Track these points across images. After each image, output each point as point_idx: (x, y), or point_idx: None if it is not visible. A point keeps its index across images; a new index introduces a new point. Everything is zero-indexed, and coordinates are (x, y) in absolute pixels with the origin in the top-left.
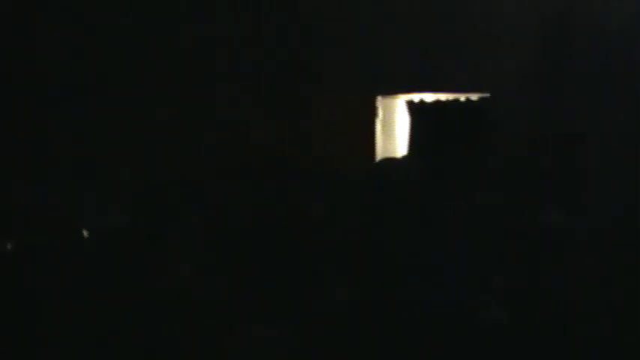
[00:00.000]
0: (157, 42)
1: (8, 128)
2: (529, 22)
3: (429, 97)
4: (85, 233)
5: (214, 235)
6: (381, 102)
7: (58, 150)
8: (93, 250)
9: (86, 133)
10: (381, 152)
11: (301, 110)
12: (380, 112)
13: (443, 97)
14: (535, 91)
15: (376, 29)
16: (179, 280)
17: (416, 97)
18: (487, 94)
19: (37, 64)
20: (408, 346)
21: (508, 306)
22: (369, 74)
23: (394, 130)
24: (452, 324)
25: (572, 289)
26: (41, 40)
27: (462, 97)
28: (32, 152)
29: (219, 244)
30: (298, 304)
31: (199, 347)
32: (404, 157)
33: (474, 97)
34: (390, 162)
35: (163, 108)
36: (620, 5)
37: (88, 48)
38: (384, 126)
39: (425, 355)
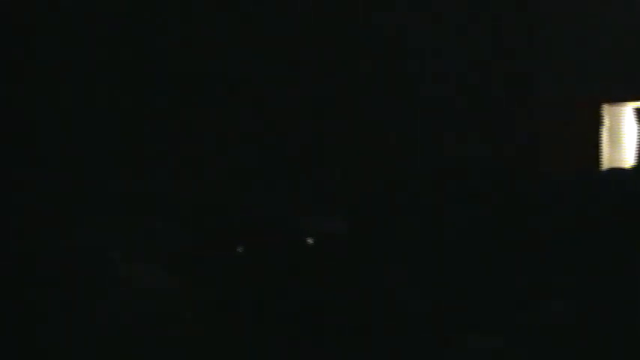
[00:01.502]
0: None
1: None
2: None
3: None
4: (307, 239)
5: (430, 243)
6: (607, 110)
7: (278, 156)
8: (312, 255)
9: (306, 140)
10: (607, 162)
11: (526, 118)
12: (606, 121)
13: None
14: None
15: (603, 33)
16: (394, 287)
17: None
18: None
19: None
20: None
21: None
22: (595, 81)
23: (621, 139)
24: None
25: None
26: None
27: None
28: (256, 159)
29: (435, 252)
30: (514, 314)
31: (413, 355)
32: (632, 168)
33: None
34: (618, 172)
35: (380, 115)
36: None
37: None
38: (610, 135)
39: None
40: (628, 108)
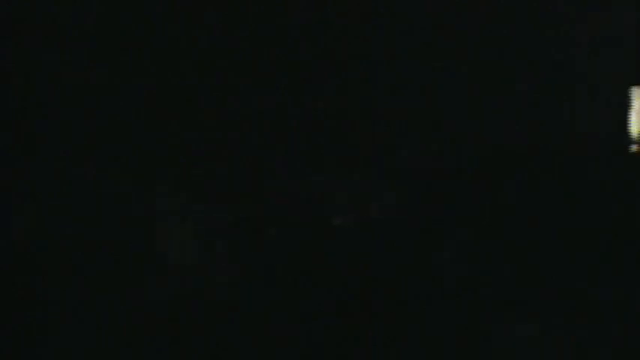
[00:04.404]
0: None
1: None
2: None
3: None
4: (338, 221)
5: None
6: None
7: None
8: (356, 237)
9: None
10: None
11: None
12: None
13: None
14: None
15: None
16: (440, 272)
17: None
18: None
19: None
20: None
21: None
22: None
23: None
24: None
25: None
26: None
27: None
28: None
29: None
30: (563, 303)
31: (461, 343)
32: None
33: None
34: None
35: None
36: None
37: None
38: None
39: None
40: None
